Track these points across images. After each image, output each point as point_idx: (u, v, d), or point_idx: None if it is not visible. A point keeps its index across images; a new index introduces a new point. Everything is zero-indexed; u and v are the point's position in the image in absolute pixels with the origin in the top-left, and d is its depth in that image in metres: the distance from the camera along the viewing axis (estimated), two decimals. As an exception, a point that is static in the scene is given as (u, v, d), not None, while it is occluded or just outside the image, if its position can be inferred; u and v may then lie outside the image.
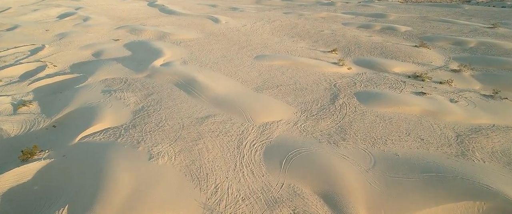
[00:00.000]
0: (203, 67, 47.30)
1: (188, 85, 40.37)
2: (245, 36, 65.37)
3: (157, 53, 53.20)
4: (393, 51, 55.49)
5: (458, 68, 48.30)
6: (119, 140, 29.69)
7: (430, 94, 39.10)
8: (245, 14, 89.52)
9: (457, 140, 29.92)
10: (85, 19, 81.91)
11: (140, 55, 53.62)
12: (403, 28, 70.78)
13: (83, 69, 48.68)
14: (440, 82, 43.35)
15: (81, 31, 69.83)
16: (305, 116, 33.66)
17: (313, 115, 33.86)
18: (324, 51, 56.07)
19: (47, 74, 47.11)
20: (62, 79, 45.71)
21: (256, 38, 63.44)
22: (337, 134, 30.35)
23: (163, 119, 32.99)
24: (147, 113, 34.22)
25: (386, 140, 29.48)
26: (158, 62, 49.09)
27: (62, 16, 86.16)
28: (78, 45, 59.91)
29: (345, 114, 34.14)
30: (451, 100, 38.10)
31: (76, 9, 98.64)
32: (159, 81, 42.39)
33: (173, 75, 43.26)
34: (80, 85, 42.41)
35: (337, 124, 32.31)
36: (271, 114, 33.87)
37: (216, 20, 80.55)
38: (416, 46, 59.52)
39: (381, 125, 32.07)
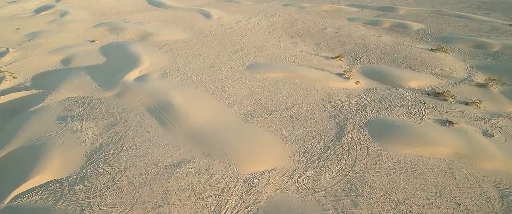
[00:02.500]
0: (185, 82, 39.79)
1: (162, 112, 32.95)
2: (238, 37, 57.72)
3: (134, 62, 45.64)
4: (406, 57, 47.87)
5: (484, 82, 40.72)
6: (58, 204, 22.39)
7: (458, 123, 31.65)
8: (241, 7, 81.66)
9: (502, 205, 22.58)
10: (63, 14, 74.16)
11: (115, 62, 46.11)
12: (416, 26, 63.04)
13: (45, 82, 41.23)
14: (466, 103, 35.87)
15: (55, 29, 62.19)
16: (305, 162, 26.29)
17: (315, 160, 26.48)
18: (327, 58, 48.46)
19: (2, 90, 39.66)
20: (18, 96, 38.32)
21: (250, 39, 55.78)
22: (346, 195, 23.04)
23: (123, 167, 25.66)
24: (104, 156, 26.87)
25: (411, 206, 22.15)
26: (132, 75, 41.57)
27: (39, 10, 78.43)
28: (47, 49, 52.40)
29: (355, 158, 26.74)
30: (485, 134, 30.70)
31: (57, 1, 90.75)
32: (129, 103, 34.96)
33: (147, 96, 35.81)
34: (36, 107, 35.06)
35: (345, 176, 24.96)
36: (262, 159, 26.53)
37: (207, 15, 72.77)
38: (432, 49, 51.92)
39: (402, 177, 24.71)
